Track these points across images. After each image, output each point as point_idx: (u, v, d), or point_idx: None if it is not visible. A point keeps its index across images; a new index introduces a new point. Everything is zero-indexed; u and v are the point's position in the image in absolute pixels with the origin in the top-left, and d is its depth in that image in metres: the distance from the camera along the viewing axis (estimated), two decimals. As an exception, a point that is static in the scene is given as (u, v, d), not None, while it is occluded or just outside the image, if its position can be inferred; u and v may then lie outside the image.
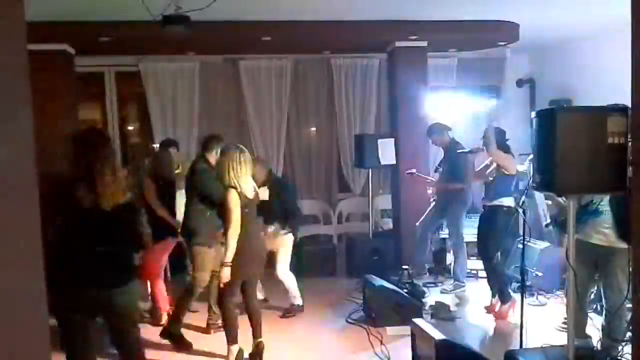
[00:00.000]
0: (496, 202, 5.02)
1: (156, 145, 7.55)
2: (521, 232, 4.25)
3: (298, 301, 5.48)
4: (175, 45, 6.71)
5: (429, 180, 6.42)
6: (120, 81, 7.77)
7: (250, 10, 5.67)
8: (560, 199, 3.89)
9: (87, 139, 3.04)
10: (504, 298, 5.14)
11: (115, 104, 7.74)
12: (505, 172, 4.96)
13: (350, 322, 5.14)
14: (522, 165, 6.28)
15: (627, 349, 3.40)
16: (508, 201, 4.98)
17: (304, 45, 7.14)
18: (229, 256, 3.90)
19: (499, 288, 5.20)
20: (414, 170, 6.43)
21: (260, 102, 7.78)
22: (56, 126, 5.75)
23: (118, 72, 7.70)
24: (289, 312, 5.44)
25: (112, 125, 7.71)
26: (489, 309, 5.34)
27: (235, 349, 4.17)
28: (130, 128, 8.38)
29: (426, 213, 6.50)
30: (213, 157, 4.79)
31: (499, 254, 5.31)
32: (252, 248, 4.05)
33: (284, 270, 5.37)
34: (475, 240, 5.55)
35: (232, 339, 4.16)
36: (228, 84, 7.81)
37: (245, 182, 3.99)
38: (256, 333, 4.25)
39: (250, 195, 4.03)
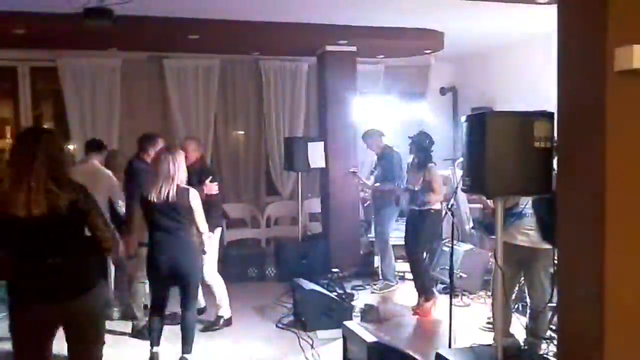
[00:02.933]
0: (425, 207, 5.15)
1: (71, 147, 7.19)
2: (445, 235, 4.36)
3: (225, 313, 5.06)
4: (96, 41, 6.38)
5: (363, 183, 6.47)
6: (35, 77, 7.30)
7: (178, 6, 5.49)
8: (487, 201, 4.01)
9: (21, 138, 2.77)
10: (428, 295, 5.28)
11: (29, 101, 7.25)
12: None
13: (280, 327, 5.07)
14: (446, 170, 6.48)
15: (550, 347, 3.54)
16: (435, 205, 5.12)
17: (233, 45, 7.01)
18: None
19: (423, 285, 5.32)
20: (356, 169, 6.51)
21: (186, 103, 7.56)
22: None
23: (33, 67, 7.22)
24: (214, 324, 5.01)
25: (25, 123, 7.21)
26: (415, 310, 5.44)
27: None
28: (44, 127, 7.89)
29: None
30: (149, 156, 4.66)
31: (424, 255, 5.41)
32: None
33: (210, 272, 4.97)
34: (402, 242, 5.65)
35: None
36: (152, 83, 7.55)
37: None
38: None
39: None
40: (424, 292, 5.35)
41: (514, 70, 7.40)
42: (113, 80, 7.25)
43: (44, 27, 5.65)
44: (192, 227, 4.03)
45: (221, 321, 5.03)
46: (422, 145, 5.32)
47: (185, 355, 4.03)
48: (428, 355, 3.56)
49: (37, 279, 2.67)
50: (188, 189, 3.96)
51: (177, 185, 3.88)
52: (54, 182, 2.61)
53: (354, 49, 7.00)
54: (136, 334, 4.82)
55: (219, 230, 5.14)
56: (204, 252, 4.24)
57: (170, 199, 3.85)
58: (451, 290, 4.20)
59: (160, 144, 4.81)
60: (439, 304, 5.36)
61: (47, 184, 2.59)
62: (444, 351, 3.28)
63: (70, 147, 7.21)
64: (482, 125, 2.96)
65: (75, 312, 2.75)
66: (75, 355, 2.86)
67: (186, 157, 4.83)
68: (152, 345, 4.07)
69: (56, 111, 7.69)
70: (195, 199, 3.97)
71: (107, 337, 3.27)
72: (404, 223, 5.87)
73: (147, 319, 4.47)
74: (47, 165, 2.61)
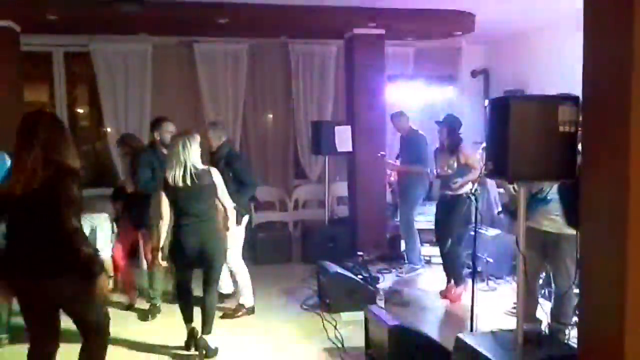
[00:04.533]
0: (459, 192, 5.12)
1: (108, 130, 7.37)
2: (473, 219, 4.33)
3: (248, 301, 4.96)
4: (126, 25, 6.48)
5: (393, 164, 6.45)
6: (69, 62, 7.48)
7: (206, -10, 5.53)
8: (511, 187, 3.96)
9: (24, 119, 2.85)
10: (459, 280, 5.25)
11: (63, 85, 7.45)
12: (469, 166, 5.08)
13: (304, 308, 5.14)
14: (476, 154, 6.40)
15: (574, 332, 3.50)
16: (466, 189, 5.07)
17: (261, 28, 7.02)
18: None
19: (455, 270, 5.29)
20: (384, 153, 6.53)
21: (215, 87, 7.64)
22: (-2, 106, 5.50)
23: (67, 52, 7.40)
24: (235, 311, 4.93)
25: (60, 107, 7.42)
26: (444, 294, 5.43)
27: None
28: (79, 111, 8.08)
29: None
30: (157, 140, 4.86)
31: (450, 240, 5.37)
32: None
33: (235, 259, 4.89)
34: (432, 227, 5.63)
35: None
36: (182, 67, 7.64)
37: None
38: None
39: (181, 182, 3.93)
40: (456, 277, 5.31)
41: (547, 52, 7.22)
42: (144, 64, 7.37)
43: (76, 12, 5.78)
44: (216, 209, 4.10)
45: (242, 310, 4.97)
46: (452, 128, 5.27)
47: (204, 336, 4.09)
48: (450, 339, 3.56)
49: (21, 255, 2.78)
50: (208, 169, 4.02)
51: (195, 167, 3.92)
52: (46, 163, 2.70)
53: (382, 31, 6.94)
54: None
55: (246, 218, 5.10)
56: (227, 229, 4.26)
57: (189, 182, 3.90)
58: (473, 275, 4.17)
59: (166, 127, 4.80)
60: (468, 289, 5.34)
61: (41, 165, 2.69)
62: (464, 335, 3.28)
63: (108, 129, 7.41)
64: (505, 109, 2.92)
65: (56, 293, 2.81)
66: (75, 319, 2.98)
67: (209, 145, 4.92)
68: (186, 322, 4.17)
69: (90, 95, 7.87)
70: (217, 177, 4.04)
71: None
72: (432, 206, 5.83)
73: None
74: (43, 146, 2.72)
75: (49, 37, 7.05)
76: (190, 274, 4.19)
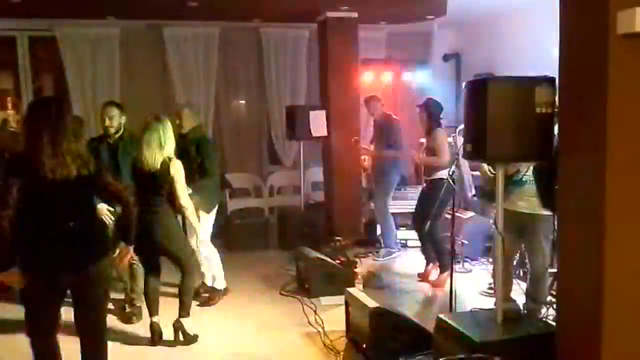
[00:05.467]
0: (436, 176, 5.16)
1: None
2: (450, 203, 4.37)
3: (220, 284, 4.97)
4: (94, 9, 6.30)
5: (367, 149, 6.46)
6: (35, 47, 7.24)
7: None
8: (487, 169, 4.00)
9: (33, 108, 2.88)
10: (444, 267, 5.26)
11: (28, 72, 7.22)
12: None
13: (283, 294, 5.13)
14: (449, 138, 6.45)
15: (550, 311, 3.58)
16: (444, 173, 5.10)
17: (232, 12, 6.91)
18: None
19: (439, 257, 5.32)
20: (358, 138, 6.51)
21: (186, 72, 7.51)
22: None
23: (32, 36, 7.16)
24: (210, 299, 4.90)
25: (26, 94, 7.19)
26: (422, 276, 5.48)
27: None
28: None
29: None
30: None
31: (428, 223, 5.41)
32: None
33: (204, 245, 4.79)
34: (407, 211, 5.67)
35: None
36: (152, 52, 7.48)
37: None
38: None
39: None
40: (441, 263, 5.33)
41: (518, 35, 7.28)
42: (112, 49, 7.20)
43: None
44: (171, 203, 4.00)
45: (218, 294, 4.96)
46: (430, 111, 5.29)
47: (182, 319, 4.08)
48: (430, 320, 3.61)
49: (55, 244, 2.75)
50: (170, 159, 3.91)
51: (169, 154, 3.87)
52: (68, 149, 2.71)
53: (355, 15, 6.90)
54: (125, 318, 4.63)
55: (214, 211, 4.92)
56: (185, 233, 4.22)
57: (159, 167, 3.83)
58: (452, 257, 4.23)
59: (107, 112, 4.51)
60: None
61: (65, 151, 2.69)
62: (445, 316, 3.32)
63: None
64: (482, 91, 2.94)
65: (85, 278, 2.84)
66: (83, 318, 2.96)
67: (181, 126, 4.82)
68: (151, 315, 4.10)
69: (57, 82, 7.64)
70: (179, 170, 3.92)
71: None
72: (407, 191, 5.88)
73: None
74: (64, 132, 2.71)
75: (12, 21, 6.81)
76: (155, 262, 4.11)
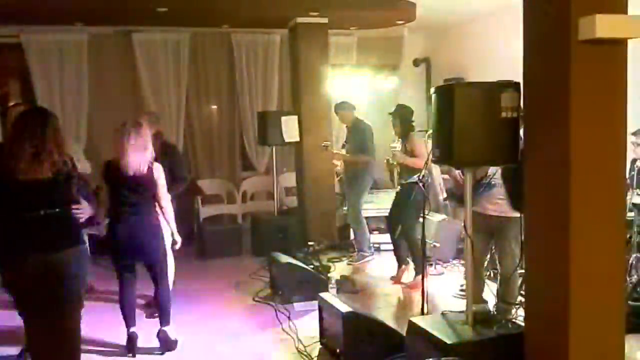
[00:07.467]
0: (412, 179, 5.18)
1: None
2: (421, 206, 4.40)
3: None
4: (61, 15, 6.20)
5: (339, 153, 6.47)
6: (1, 54, 7.09)
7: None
8: (457, 174, 4.05)
9: (20, 117, 3.12)
10: (419, 269, 5.27)
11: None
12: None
13: (257, 301, 5.11)
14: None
15: (520, 311, 3.64)
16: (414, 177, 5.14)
17: (202, 17, 6.88)
18: None
19: (414, 260, 5.34)
20: (329, 143, 6.50)
21: (156, 78, 7.44)
22: None
23: (-2, 43, 7.02)
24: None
25: (-10, 102, 7.05)
26: (395, 279, 5.51)
27: None
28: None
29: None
30: None
31: (400, 226, 5.45)
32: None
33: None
34: (380, 215, 5.69)
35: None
36: (120, 58, 7.38)
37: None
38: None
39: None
40: (416, 265, 5.34)
41: (487, 40, 7.41)
42: (80, 56, 7.09)
43: (5, 0, 5.46)
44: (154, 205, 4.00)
45: None
46: (404, 117, 5.35)
47: (164, 328, 4.07)
48: (402, 323, 3.64)
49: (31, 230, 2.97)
50: (152, 162, 3.92)
51: (151, 157, 3.88)
52: (59, 152, 2.99)
53: (325, 20, 6.94)
54: None
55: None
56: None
57: (137, 174, 3.82)
58: (424, 260, 4.27)
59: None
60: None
61: (49, 154, 2.96)
62: (416, 318, 3.35)
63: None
64: (450, 96, 2.98)
65: (56, 264, 2.95)
66: (50, 312, 3.00)
67: None
68: (128, 327, 4.04)
69: (23, 89, 7.48)
70: (161, 172, 3.95)
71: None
72: (379, 195, 5.88)
73: None
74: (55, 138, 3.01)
75: (-25, 28, 6.67)
76: (132, 269, 4.05)
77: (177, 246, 4.24)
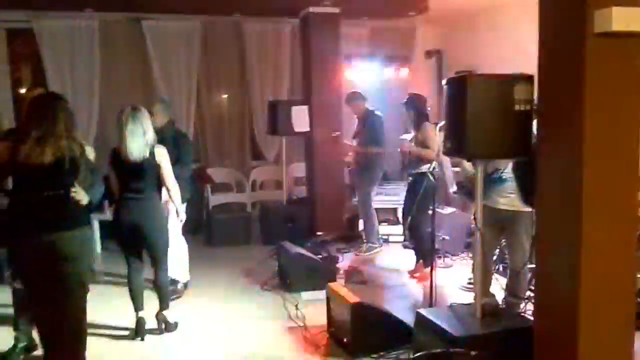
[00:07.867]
0: (421, 170, 5.16)
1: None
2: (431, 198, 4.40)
3: (183, 277, 4.97)
4: (71, 1, 6.20)
5: (350, 145, 6.45)
6: (12, 39, 7.11)
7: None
8: (467, 166, 4.03)
9: (31, 101, 3.16)
10: (427, 260, 5.25)
11: (6, 65, 7.08)
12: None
13: (265, 289, 5.13)
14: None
15: (529, 306, 3.63)
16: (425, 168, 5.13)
17: (213, 5, 6.86)
18: None
19: (424, 251, 5.33)
20: (339, 133, 6.43)
21: (167, 66, 7.44)
22: None
23: (9, 28, 7.02)
24: (174, 292, 4.76)
25: (4, 89, 7.06)
26: (413, 275, 5.45)
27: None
28: (24, 91, 7.73)
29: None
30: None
31: (410, 217, 5.43)
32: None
33: (174, 235, 4.59)
34: (390, 206, 5.66)
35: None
36: (132, 45, 7.38)
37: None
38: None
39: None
40: (425, 258, 5.34)
41: (499, 33, 7.33)
42: (91, 42, 7.09)
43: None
44: (158, 189, 4.04)
45: (179, 286, 4.96)
46: (417, 107, 5.30)
47: (163, 312, 4.15)
48: (409, 315, 3.64)
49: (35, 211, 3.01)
50: (154, 146, 3.92)
51: (152, 141, 3.89)
52: (67, 136, 3.02)
53: (337, 10, 6.90)
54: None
55: (184, 205, 4.75)
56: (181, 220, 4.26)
57: (143, 156, 3.84)
58: (433, 252, 4.26)
59: None
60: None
61: (58, 138, 3.00)
62: (424, 310, 3.35)
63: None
64: (463, 88, 2.96)
65: (57, 245, 2.96)
66: (53, 293, 3.00)
67: (154, 121, 4.78)
68: (136, 311, 4.09)
69: (35, 75, 7.52)
70: (165, 156, 3.97)
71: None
72: (390, 186, 5.86)
73: None
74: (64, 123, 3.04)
75: (-12, 13, 6.70)
76: (137, 254, 4.10)
77: (180, 218, 4.35)
